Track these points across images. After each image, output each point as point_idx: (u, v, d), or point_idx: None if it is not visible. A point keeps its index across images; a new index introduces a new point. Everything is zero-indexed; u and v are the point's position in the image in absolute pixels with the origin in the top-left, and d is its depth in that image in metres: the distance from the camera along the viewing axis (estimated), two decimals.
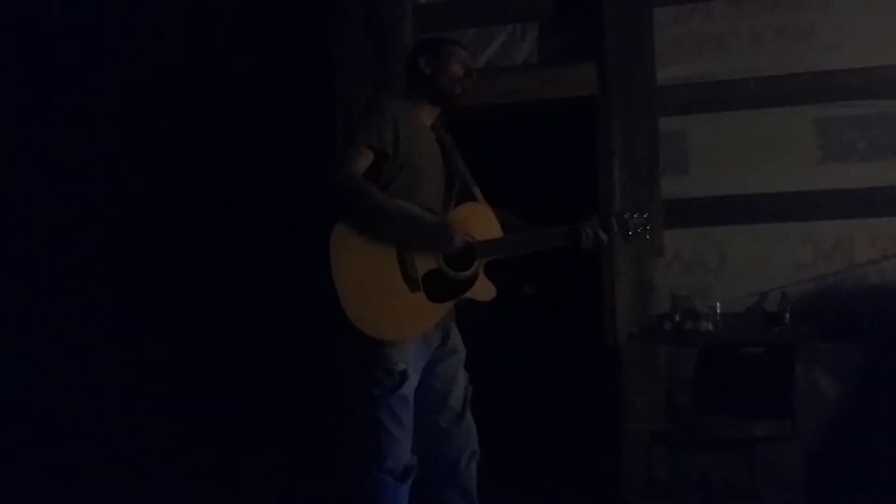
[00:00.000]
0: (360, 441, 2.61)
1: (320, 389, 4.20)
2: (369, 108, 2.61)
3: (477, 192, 2.83)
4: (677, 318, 3.87)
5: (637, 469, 3.77)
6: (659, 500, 3.71)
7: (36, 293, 5.01)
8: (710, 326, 3.81)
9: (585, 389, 4.06)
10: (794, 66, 3.91)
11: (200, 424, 4.46)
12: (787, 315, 3.73)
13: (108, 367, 4.77)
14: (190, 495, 4.00)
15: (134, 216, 4.98)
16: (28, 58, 5.14)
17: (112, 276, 4.96)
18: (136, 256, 4.93)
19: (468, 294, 2.59)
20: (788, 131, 3.91)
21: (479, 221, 2.65)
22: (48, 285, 5.03)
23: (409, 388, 2.56)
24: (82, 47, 5.02)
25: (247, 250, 4.66)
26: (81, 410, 4.60)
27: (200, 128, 4.84)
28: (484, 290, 2.63)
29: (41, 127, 5.11)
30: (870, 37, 3.84)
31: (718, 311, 3.84)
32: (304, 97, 4.62)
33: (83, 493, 4.01)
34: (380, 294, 2.46)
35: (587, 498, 3.88)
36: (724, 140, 3.99)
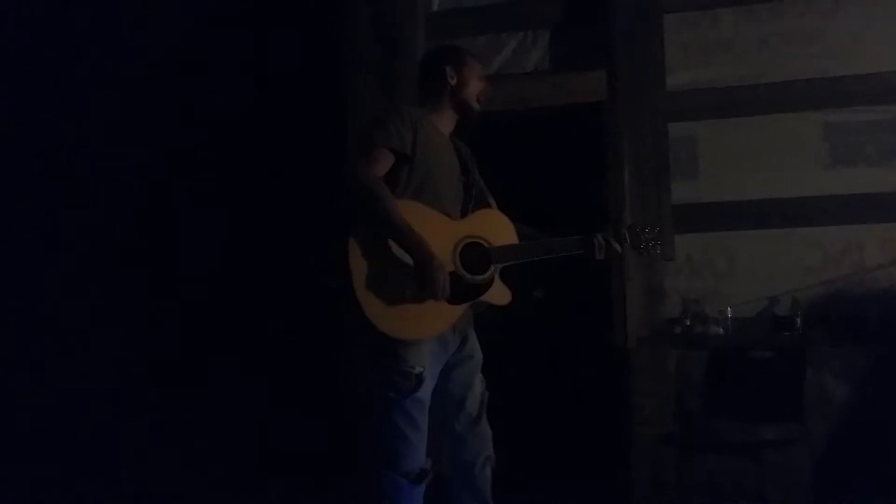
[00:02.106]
0: (375, 444, 2.62)
1: (327, 391, 4.22)
2: (388, 112, 2.64)
3: (492, 203, 2.88)
4: (687, 322, 3.88)
5: (646, 472, 3.78)
6: (668, 503, 3.73)
7: (37, 293, 5.03)
8: (720, 330, 3.82)
9: (595, 392, 4.07)
10: (802, 71, 3.93)
11: (204, 425, 4.49)
12: (797, 319, 3.74)
13: (108, 365, 4.80)
14: (192, 497, 4.02)
15: (136, 216, 5.01)
16: (28, 57, 5.16)
17: (112, 275, 4.97)
18: (137, 256, 4.95)
19: (484, 297, 2.62)
20: (797, 136, 3.93)
21: (496, 227, 2.69)
22: (49, 286, 5.05)
23: (424, 392, 2.57)
24: (82, 47, 5.05)
25: (252, 252, 4.69)
26: (81, 409, 4.62)
27: (208, 132, 4.86)
28: (499, 294, 2.66)
29: (42, 127, 5.12)
30: (878, 42, 3.86)
31: (728, 315, 3.85)
32: (314, 103, 4.65)
33: (83, 492, 4.04)
34: (397, 293, 2.49)
35: (596, 500, 3.89)
36: (733, 145, 4.00)
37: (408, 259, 2.49)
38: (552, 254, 2.71)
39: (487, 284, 2.62)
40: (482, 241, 2.62)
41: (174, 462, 4.29)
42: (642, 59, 4.08)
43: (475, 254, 2.61)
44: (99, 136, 5.09)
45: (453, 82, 2.74)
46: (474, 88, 2.77)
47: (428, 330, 2.56)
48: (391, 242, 2.50)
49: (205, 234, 4.81)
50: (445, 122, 2.78)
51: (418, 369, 2.54)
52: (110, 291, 4.96)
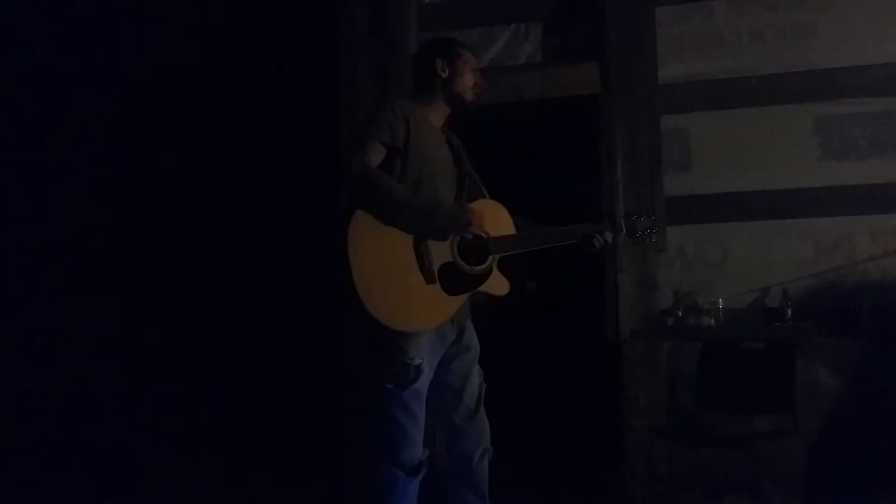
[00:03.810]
0: (372, 436, 2.63)
1: (325, 386, 4.22)
2: (381, 107, 2.64)
3: (486, 195, 2.87)
4: (679, 314, 3.89)
5: (639, 463, 3.79)
6: (660, 495, 3.74)
7: (37, 295, 5.02)
8: (712, 322, 3.83)
9: (588, 384, 4.08)
10: (794, 64, 3.94)
11: (205, 422, 4.49)
12: (789, 311, 3.74)
13: (109, 363, 4.79)
14: (193, 492, 4.02)
15: (136, 215, 4.99)
16: (26, 59, 5.15)
17: (113, 276, 4.96)
18: (137, 255, 4.94)
19: (482, 288, 2.63)
20: (789, 129, 3.93)
21: (493, 217, 2.69)
22: (49, 287, 5.04)
23: (422, 383, 2.58)
24: (80, 44, 5.03)
25: (250, 247, 4.68)
26: (81, 408, 4.63)
27: (203, 128, 4.85)
28: (498, 284, 2.68)
29: (42, 130, 5.11)
30: (870, 35, 3.87)
31: (720, 306, 3.87)
32: (308, 96, 4.64)
33: (83, 490, 4.04)
34: (396, 285, 2.49)
35: (589, 492, 3.91)
36: (725, 138, 4.01)
37: (405, 247, 2.49)
38: (549, 244, 2.74)
39: (486, 275, 2.63)
40: (480, 232, 2.63)
41: (174, 457, 4.29)
42: (635, 52, 4.09)
43: (473, 244, 2.62)
44: (98, 135, 5.07)
45: (444, 75, 2.73)
46: (468, 80, 2.75)
47: (427, 321, 2.56)
48: (388, 235, 2.50)
49: (203, 231, 4.80)
50: (438, 114, 2.78)
51: (417, 361, 2.54)
52: (109, 290, 4.95)
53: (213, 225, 4.78)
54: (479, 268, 2.61)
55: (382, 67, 4.37)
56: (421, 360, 2.54)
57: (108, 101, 5.04)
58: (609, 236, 2.78)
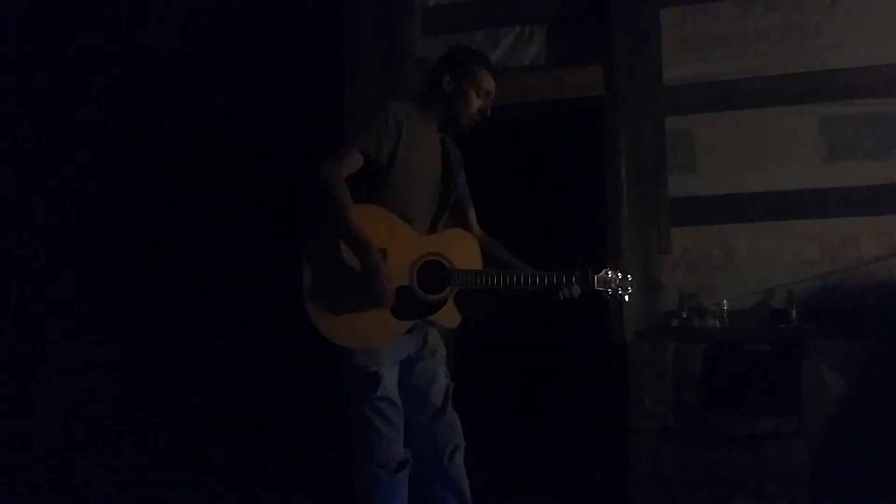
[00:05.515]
0: (350, 439, 2.65)
1: (327, 388, 4.22)
2: (375, 113, 2.61)
3: (471, 213, 2.85)
4: (684, 316, 3.89)
5: (644, 465, 3.78)
6: (666, 496, 3.74)
7: (36, 296, 5.04)
8: (717, 324, 3.83)
9: (593, 386, 4.08)
10: (799, 65, 3.94)
11: (204, 425, 4.50)
12: (794, 312, 3.74)
13: (109, 368, 4.81)
14: (195, 494, 4.04)
15: (135, 218, 5.01)
16: (29, 55, 5.16)
17: (112, 281, 4.97)
18: (137, 260, 4.95)
19: (433, 318, 2.61)
20: (794, 130, 3.93)
21: (462, 249, 2.65)
22: (48, 287, 5.05)
23: (387, 388, 2.59)
24: (81, 45, 5.05)
25: (251, 248, 4.69)
26: (82, 413, 4.64)
27: (207, 130, 4.87)
28: (449, 316, 2.64)
29: (43, 127, 5.13)
30: (875, 35, 3.86)
31: (725, 308, 3.86)
32: (313, 98, 4.65)
33: (82, 492, 4.05)
34: (345, 303, 2.49)
35: (595, 494, 3.91)
36: (730, 139, 4.01)
37: (357, 265, 2.48)
38: (512, 286, 2.64)
39: (439, 305, 2.60)
40: (444, 262, 2.60)
41: (169, 460, 4.29)
42: (639, 54, 4.08)
43: (434, 273, 2.59)
44: (97, 132, 5.09)
45: (447, 90, 2.68)
46: (470, 104, 2.68)
47: (374, 340, 2.56)
48: (343, 250, 2.49)
49: (203, 231, 4.81)
50: (436, 124, 2.74)
51: (373, 369, 2.55)
52: (111, 292, 4.96)
53: (216, 226, 4.80)
54: (434, 297, 2.58)
55: (387, 70, 4.37)
56: (378, 368, 2.55)
57: (106, 97, 5.06)
58: (576, 290, 2.67)
